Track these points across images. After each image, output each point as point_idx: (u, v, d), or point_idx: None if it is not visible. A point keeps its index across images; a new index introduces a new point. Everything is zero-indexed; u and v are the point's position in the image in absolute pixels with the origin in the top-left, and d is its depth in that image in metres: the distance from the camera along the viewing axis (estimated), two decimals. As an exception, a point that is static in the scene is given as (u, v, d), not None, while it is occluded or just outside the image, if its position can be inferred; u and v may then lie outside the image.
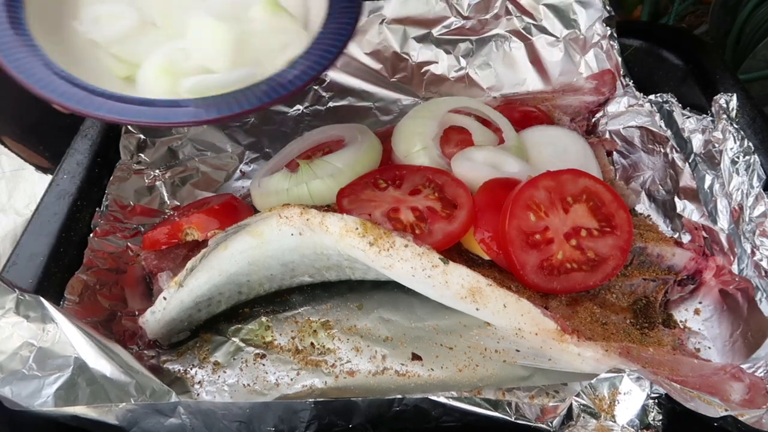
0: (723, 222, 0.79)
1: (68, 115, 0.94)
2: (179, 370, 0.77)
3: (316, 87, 1.09)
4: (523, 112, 0.99)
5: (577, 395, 0.57)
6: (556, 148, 0.91)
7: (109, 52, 0.75)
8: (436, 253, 0.73)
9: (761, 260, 0.72)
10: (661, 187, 0.90)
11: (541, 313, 0.71)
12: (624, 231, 0.76)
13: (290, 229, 0.75)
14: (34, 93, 0.66)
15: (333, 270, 0.80)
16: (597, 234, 0.77)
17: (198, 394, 0.74)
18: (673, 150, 0.88)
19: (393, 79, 1.09)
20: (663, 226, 0.88)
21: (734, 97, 0.82)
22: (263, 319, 0.81)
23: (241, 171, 1.05)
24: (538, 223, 0.76)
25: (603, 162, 0.94)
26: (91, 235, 0.85)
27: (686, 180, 0.85)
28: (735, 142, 0.79)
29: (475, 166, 0.84)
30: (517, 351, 0.73)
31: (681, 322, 0.79)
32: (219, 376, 0.75)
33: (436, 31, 1.07)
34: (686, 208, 0.85)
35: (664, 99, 0.92)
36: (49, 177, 0.91)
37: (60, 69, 0.68)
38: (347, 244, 0.74)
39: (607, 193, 0.78)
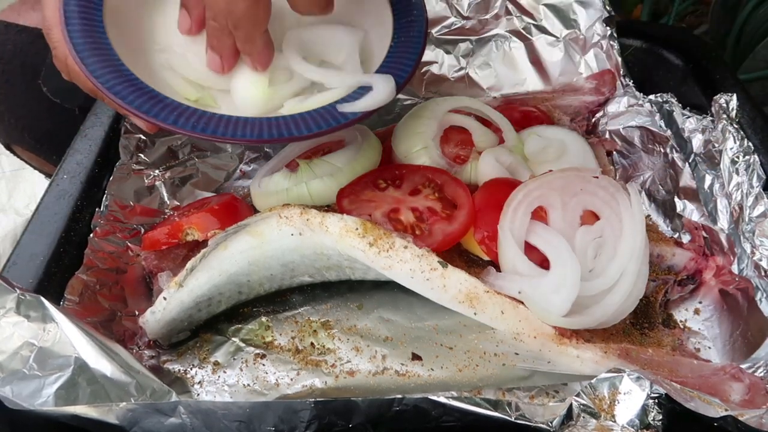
0: (723, 222, 0.79)
1: (80, 123, 0.96)
2: (179, 370, 0.77)
3: (316, 87, 1.09)
4: (523, 112, 0.99)
5: (577, 395, 0.57)
6: (556, 148, 0.91)
7: (181, 74, 0.78)
8: (435, 256, 0.73)
9: (761, 260, 0.72)
10: (661, 187, 0.90)
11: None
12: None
13: (290, 229, 0.75)
14: (131, 112, 0.70)
15: (333, 270, 0.80)
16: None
17: (198, 394, 0.74)
18: (673, 150, 0.88)
19: (393, 79, 1.09)
20: (663, 226, 0.88)
21: (734, 97, 0.82)
22: (263, 319, 0.81)
23: (241, 171, 1.05)
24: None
25: (603, 162, 0.94)
26: (91, 235, 0.84)
27: (686, 180, 0.85)
28: (735, 142, 0.79)
29: (497, 168, 0.84)
30: (516, 354, 0.73)
31: (681, 322, 0.79)
32: (219, 376, 0.76)
33: (436, 31, 1.07)
34: (686, 208, 0.85)
35: (664, 99, 0.92)
36: (49, 178, 0.91)
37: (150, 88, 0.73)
38: (347, 244, 0.74)
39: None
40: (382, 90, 0.75)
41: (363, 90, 0.77)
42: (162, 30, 0.81)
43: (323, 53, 0.82)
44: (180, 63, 0.79)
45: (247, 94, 0.76)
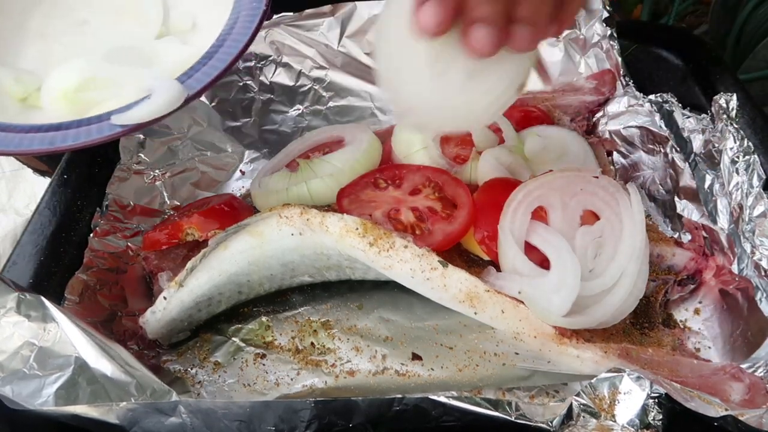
0: (723, 222, 0.79)
1: None
2: (179, 369, 0.77)
3: (316, 87, 1.10)
4: (523, 112, 0.98)
5: (577, 395, 0.57)
6: (556, 148, 0.91)
7: (13, 68, 0.74)
8: (436, 256, 0.73)
9: (761, 260, 0.72)
10: (661, 187, 0.90)
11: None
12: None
13: (290, 229, 0.75)
14: None
15: (333, 270, 0.80)
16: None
17: (198, 394, 0.74)
18: (673, 150, 0.88)
19: (393, 79, 1.09)
20: (663, 226, 0.88)
21: (734, 97, 0.82)
22: (263, 319, 0.81)
23: (241, 171, 1.05)
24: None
25: (603, 162, 0.94)
26: (91, 235, 0.85)
27: (686, 180, 0.85)
28: (735, 142, 0.79)
29: (497, 168, 0.84)
30: (516, 354, 0.73)
31: (681, 321, 0.79)
32: (219, 376, 0.76)
33: (436, 31, 1.07)
34: (686, 208, 0.85)
35: (664, 99, 0.92)
36: (49, 178, 0.91)
37: None
38: (347, 244, 0.74)
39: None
40: (161, 99, 0.66)
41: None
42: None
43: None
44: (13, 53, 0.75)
45: (51, 97, 0.72)
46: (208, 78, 0.68)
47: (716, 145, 0.81)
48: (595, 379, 0.58)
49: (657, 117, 0.92)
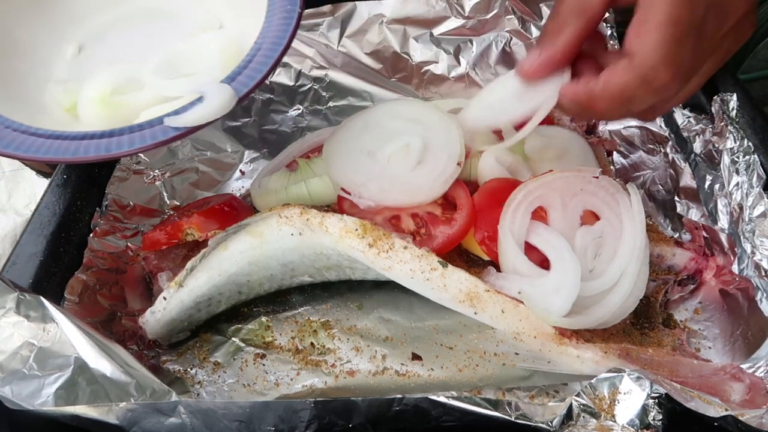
0: (723, 222, 0.79)
1: None
2: (179, 370, 0.77)
3: (316, 87, 1.09)
4: (523, 112, 0.98)
5: (577, 395, 0.57)
6: (556, 148, 0.91)
7: (59, 80, 0.75)
8: (435, 256, 0.73)
9: (761, 260, 0.72)
10: (661, 187, 0.90)
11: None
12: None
13: (290, 229, 0.75)
14: None
15: (333, 270, 0.80)
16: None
17: (198, 394, 0.74)
18: (673, 150, 0.88)
19: (393, 79, 1.09)
20: (663, 226, 0.88)
21: (734, 97, 0.82)
22: (263, 319, 0.81)
23: (241, 171, 1.05)
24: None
25: (603, 162, 0.94)
26: (91, 235, 0.85)
27: (686, 180, 0.85)
28: (735, 142, 0.79)
29: (497, 168, 0.84)
30: (516, 354, 0.73)
31: (681, 322, 0.79)
32: (219, 376, 0.75)
33: (436, 31, 1.07)
34: (686, 208, 0.85)
35: (664, 99, 0.92)
36: (49, 178, 0.91)
37: None
38: (346, 245, 0.74)
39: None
40: (214, 102, 0.66)
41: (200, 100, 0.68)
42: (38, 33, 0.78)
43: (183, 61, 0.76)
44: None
45: (86, 104, 0.72)
46: (253, 81, 0.68)
47: (716, 145, 0.81)
48: (595, 379, 0.58)
49: (657, 117, 0.92)
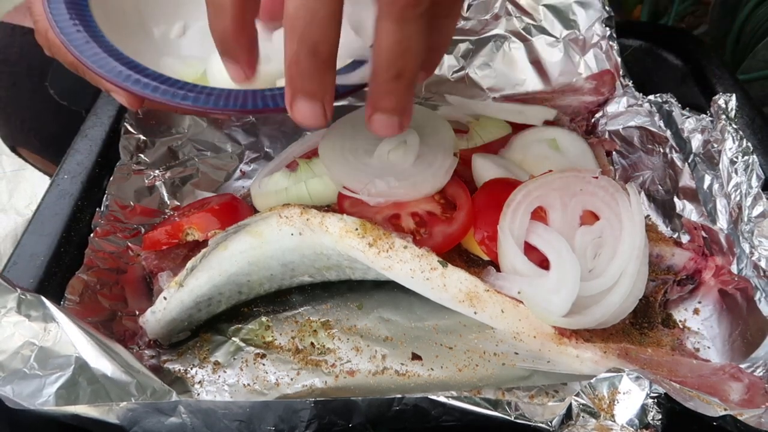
0: (722, 222, 0.79)
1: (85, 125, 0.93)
2: (179, 369, 0.77)
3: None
4: (523, 112, 0.98)
5: (577, 395, 0.57)
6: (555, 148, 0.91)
7: (180, 55, 0.76)
8: (435, 256, 0.74)
9: (760, 260, 0.73)
10: (660, 187, 0.90)
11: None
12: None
13: (290, 229, 0.76)
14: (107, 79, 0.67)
15: (333, 270, 0.80)
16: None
17: (198, 394, 0.74)
18: (673, 150, 0.88)
19: (393, 80, 1.09)
20: (662, 226, 0.88)
21: (733, 98, 0.82)
22: (263, 319, 0.81)
23: (241, 171, 1.05)
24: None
25: (603, 162, 0.94)
26: (92, 235, 0.85)
27: (685, 180, 0.85)
28: (734, 142, 0.79)
29: (496, 168, 0.84)
30: (516, 354, 0.73)
31: (680, 321, 0.80)
32: (219, 376, 0.76)
33: (435, 32, 1.07)
34: (685, 208, 0.85)
35: (664, 99, 0.92)
36: (50, 178, 0.91)
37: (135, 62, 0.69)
38: (346, 244, 0.74)
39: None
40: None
41: (356, 64, 0.71)
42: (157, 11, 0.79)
43: None
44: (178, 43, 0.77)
45: (218, 71, 0.73)
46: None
47: (715, 145, 0.81)
48: (594, 379, 0.58)
49: (656, 117, 0.92)
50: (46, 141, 1.25)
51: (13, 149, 1.31)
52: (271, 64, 0.71)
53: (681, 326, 0.79)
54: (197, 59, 0.77)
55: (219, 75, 0.73)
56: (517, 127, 0.94)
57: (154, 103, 0.68)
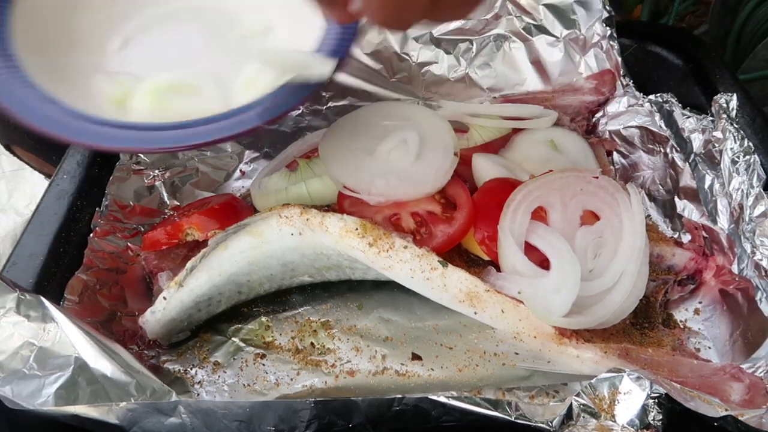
0: (723, 222, 0.79)
1: None
2: (179, 370, 0.77)
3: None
4: (523, 112, 0.98)
5: (577, 395, 0.57)
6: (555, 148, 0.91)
7: (108, 72, 0.73)
8: (435, 256, 0.73)
9: (761, 260, 0.72)
10: (661, 187, 0.90)
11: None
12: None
13: (290, 228, 0.75)
14: (10, 116, 0.64)
15: (333, 270, 0.80)
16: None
17: (198, 394, 0.74)
18: (673, 150, 0.88)
19: (393, 80, 1.09)
20: (663, 226, 0.88)
21: (734, 97, 0.82)
22: (263, 319, 0.81)
23: (241, 171, 1.05)
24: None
25: (603, 162, 0.94)
26: (91, 235, 0.84)
27: (686, 180, 0.85)
28: (735, 142, 0.79)
29: (497, 167, 0.84)
30: (516, 354, 0.73)
31: (681, 322, 0.79)
32: (219, 376, 0.76)
33: (436, 31, 1.07)
34: (686, 208, 0.85)
35: (664, 99, 0.92)
36: (49, 178, 0.91)
37: (42, 91, 0.66)
38: (346, 244, 0.74)
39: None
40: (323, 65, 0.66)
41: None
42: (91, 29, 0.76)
43: None
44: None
45: (142, 96, 0.70)
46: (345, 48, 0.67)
47: (716, 145, 0.81)
48: (594, 379, 0.58)
49: (657, 117, 0.92)
50: (40, 139, 1.24)
51: (8, 148, 1.31)
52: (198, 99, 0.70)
53: (682, 326, 0.79)
54: (130, 77, 0.73)
55: (139, 104, 0.70)
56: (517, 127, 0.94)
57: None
